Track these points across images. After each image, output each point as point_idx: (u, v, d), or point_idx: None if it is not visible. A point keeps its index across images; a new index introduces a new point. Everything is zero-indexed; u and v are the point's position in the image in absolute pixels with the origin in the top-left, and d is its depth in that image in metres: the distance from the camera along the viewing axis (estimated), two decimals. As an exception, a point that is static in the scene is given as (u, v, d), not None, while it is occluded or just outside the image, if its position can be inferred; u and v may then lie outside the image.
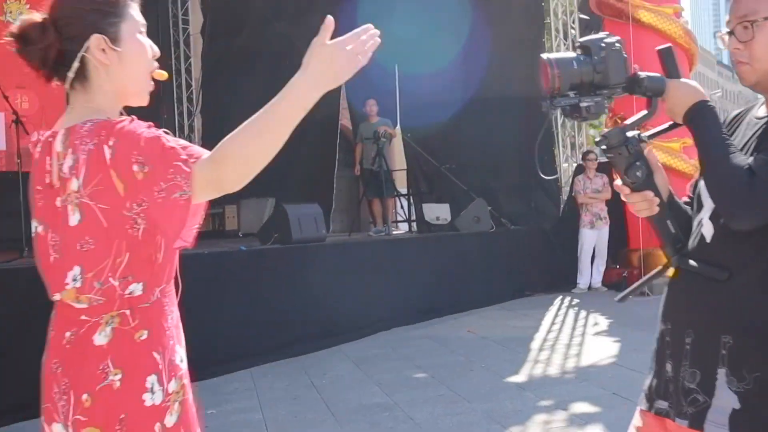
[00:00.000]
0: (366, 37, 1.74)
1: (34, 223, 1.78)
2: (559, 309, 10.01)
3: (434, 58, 12.24)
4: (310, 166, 12.45)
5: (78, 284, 1.68)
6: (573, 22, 14.60)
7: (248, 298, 7.23)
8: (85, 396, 1.65)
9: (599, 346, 7.30)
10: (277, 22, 12.84)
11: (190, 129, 15.70)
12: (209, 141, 15.06)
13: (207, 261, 7.17)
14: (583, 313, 9.43)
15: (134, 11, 1.80)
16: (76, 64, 1.72)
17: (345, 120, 13.51)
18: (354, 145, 12.06)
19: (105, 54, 1.73)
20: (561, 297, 10.83)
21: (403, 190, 12.72)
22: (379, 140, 10.88)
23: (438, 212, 11.20)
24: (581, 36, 14.56)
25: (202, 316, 6.60)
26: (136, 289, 1.69)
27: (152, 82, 1.85)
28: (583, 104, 2.00)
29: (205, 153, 1.63)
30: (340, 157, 12.62)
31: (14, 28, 1.71)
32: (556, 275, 11.57)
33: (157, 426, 1.67)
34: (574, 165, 14.04)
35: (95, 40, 1.71)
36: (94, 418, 1.65)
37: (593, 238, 11.44)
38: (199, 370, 6.31)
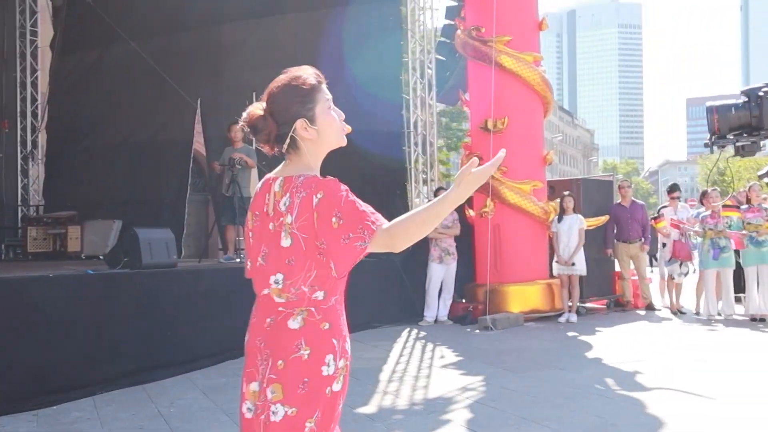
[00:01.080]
0: (495, 161, 2.51)
1: (250, 236, 2.54)
2: (406, 341, 10.18)
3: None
4: (162, 190, 12.21)
5: (279, 286, 2.42)
6: (430, 62, 14.99)
7: (94, 323, 6.99)
8: (280, 362, 2.36)
9: (446, 378, 7.46)
10: (132, 40, 12.57)
11: (34, 145, 15.10)
12: (54, 159, 14.60)
13: (52, 283, 6.90)
14: (430, 346, 9.63)
15: (323, 92, 2.54)
16: (288, 140, 2.47)
17: (199, 144, 13.33)
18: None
19: (307, 131, 2.47)
20: (408, 329, 11.03)
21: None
22: (233, 167, 10.79)
23: (290, 241, 11.20)
24: (436, 73, 15.02)
25: (43, 340, 6.34)
26: (319, 295, 2.41)
27: (344, 138, 2.64)
28: (739, 144, 2.24)
29: (385, 223, 2.36)
30: (192, 181, 12.43)
31: (245, 118, 2.50)
32: (404, 308, 11.78)
33: (328, 389, 2.37)
34: (426, 201, 14.38)
35: (299, 124, 2.46)
36: (281, 377, 2.34)
37: (441, 272, 11.73)
38: (39, 397, 6.12)
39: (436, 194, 12.21)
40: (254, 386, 2.45)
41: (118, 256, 8.22)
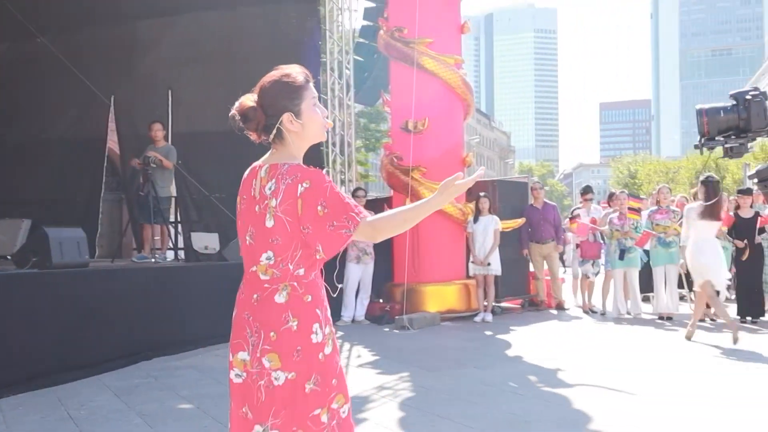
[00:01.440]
0: (476, 176, 2.89)
1: (239, 219, 2.81)
2: (324, 341, 10.16)
3: (208, 87, 12.19)
4: (74, 189, 11.91)
5: (271, 262, 2.68)
6: (348, 63, 15.03)
7: (0, 325, 6.78)
8: (272, 333, 2.64)
9: (363, 378, 7.49)
10: (42, 35, 12.23)
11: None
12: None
13: (-44, 284, 6.67)
14: (347, 346, 9.65)
15: (310, 90, 2.80)
16: (274, 131, 2.75)
17: (112, 143, 13.05)
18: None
19: (292, 124, 2.74)
20: (326, 329, 11.01)
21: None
22: (148, 166, 10.62)
23: (206, 241, 11.06)
24: (354, 74, 15.06)
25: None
26: (301, 271, 2.69)
27: (325, 132, 2.91)
28: (728, 145, 2.29)
29: (369, 216, 2.66)
30: (106, 180, 12.17)
31: (237, 108, 2.76)
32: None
33: (320, 354, 2.68)
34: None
35: (286, 117, 2.73)
36: (276, 347, 2.63)
37: (358, 272, 11.77)
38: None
39: (353, 195, 12.24)
40: (242, 355, 2.72)
41: (26, 256, 7.99)
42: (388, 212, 2.72)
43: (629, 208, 12.11)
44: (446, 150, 12.12)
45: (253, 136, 2.80)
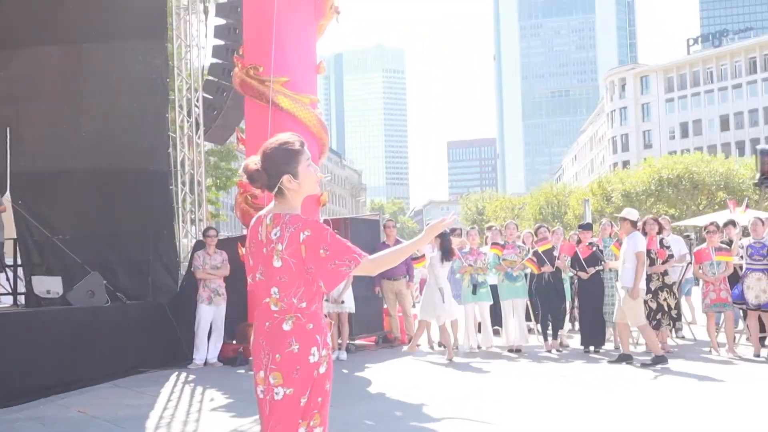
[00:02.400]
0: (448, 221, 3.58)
1: (249, 259, 3.43)
2: (175, 385, 9.87)
3: (51, 125, 11.76)
4: None
5: (276, 297, 3.28)
6: (197, 100, 14.83)
7: None
8: (277, 355, 3.22)
9: (216, 422, 7.31)
10: None
11: None
12: None
13: None
14: (199, 389, 9.39)
15: (305, 153, 3.38)
16: (275, 189, 3.34)
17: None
18: None
19: (291, 183, 3.32)
20: (177, 373, 10.71)
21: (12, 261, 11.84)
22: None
23: (49, 285, 10.58)
24: (204, 112, 14.86)
25: None
26: (303, 304, 3.27)
27: (318, 186, 3.48)
28: None
29: (368, 256, 3.30)
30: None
31: (244, 170, 3.37)
32: (173, 351, 11.44)
33: (315, 372, 3.25)
34: (193, 240, 14.12)
35: (285, 178, 3.32)
36: (280, 367, 3.21)
37: (210, 313, 11.51)
38: None
39: (204, 235, 12.00)
40: (261, 374, 3.30)
41: None
42: (385, 251, 3.48)
43: (493, 244, 12.42)
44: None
45: (258, 192, 3.61)
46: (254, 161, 3.35)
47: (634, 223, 10.64)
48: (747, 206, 14.64)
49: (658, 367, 9.73)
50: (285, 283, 3.26)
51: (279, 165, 3.33)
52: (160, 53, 12.91)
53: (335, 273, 3.23)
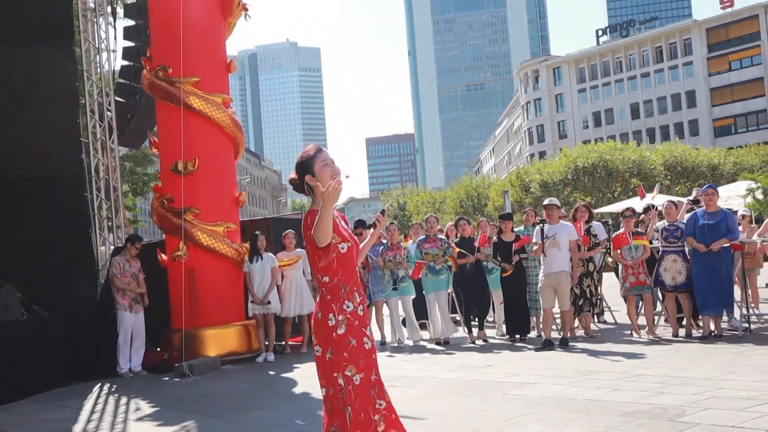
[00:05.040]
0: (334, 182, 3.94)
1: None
2: (99, 396, 9.64)
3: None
4: None
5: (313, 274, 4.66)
6: (109, 104, 14.49)
7: None
8: (313, 321, 4.17)
9: (142, 431, 7.14)
10: None
11: None
12: None
13: None
14: (124, 399, 9.19)
15: (321, 156, 4.18)
16: (306, 188, 4.18)
17: None
18: None
19: (312, 181, 4.13)
20: (101, 383, 10.45)
21: None
22: None
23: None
24: (117, 116, 14.53)
25: None
26: (325, 278, 4.12)
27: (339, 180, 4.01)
28: None
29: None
30: None
31: (290, 178, 4.23)
32: (96, 362, 11.16)
33: (334, 334, 4.05)
34: (111, 247, 13.79)
35: (307, 177, 4.16)
36: (314, 330, 4.16)
37: (131, 320, 11.27)
38: None
39: (131, 242, 11.71)
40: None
41: None
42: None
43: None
44: (218, 190, 11.92)
45: (303, 194, 4.23)
46: (294, 173, 4.24)
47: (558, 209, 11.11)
48: (658, 190, 15.01)
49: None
50: (312, 264, 4.17)
51: (303, 169, 4.18)
52: (67, 57, 12.53)
53: (317, 253, 4.07)
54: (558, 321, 11.66)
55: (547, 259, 10.77)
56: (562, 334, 10.89)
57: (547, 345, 10.50)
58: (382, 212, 4.47)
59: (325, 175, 4.10)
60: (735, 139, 77.72)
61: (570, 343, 10.61)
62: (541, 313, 11.13)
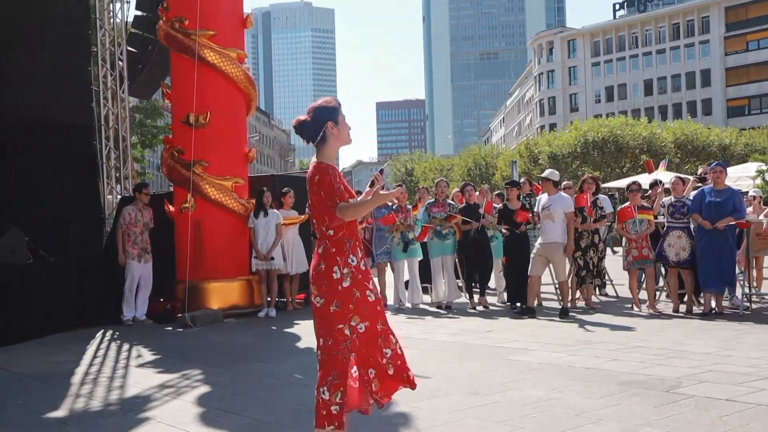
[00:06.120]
0: (390, 194, 4.27)
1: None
2: (101, 342, 9.74)
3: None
4: None
5: (315, 226, 4.21)
6: (121, 54, 14.46)
7: None
8: (313, 272, 4.18)
9: (143, 378, 7.23)
10: None
11: None
12: None
13: None
14: (126, 346, 9.29)
15: (341, 110, 4.24)
16: (320, 135, 4.18)
17: None
18: None
19: (333, 129, 4.19)
20: (104, 330, 10.56)
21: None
22: None
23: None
24: (128, 66, 14.50)
25: None
26: (330, 232, 4.14)
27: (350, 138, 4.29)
28: None
29: (342, 202, 4.06)
30: None
31: (294, 121, 4.21)
32: (100, 309, 11.25)
33: (340, 286, 4.09)
34: (118, 197, 13.84)
35: (329, 124, 4.18)
36: (314, 281, 4.15)
37: (140, 270, 11.35)
38: None
39: (135, 191, 11.78)
40: (311, 287, 4.19)
41: None
42: (349, 203, 4.07)
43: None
44: (229, 144, 11.93)
45: (304, 141, 4.26)
46: (304, 115, 4.21)
47: (556, 183, 11.14)
48: (665, 166, 14.96)
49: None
50: (317, 215, 4.16)
51: (323, 115, 4.18)
52: (80, 4, 12.52)
53: (329, 211, 4.08)
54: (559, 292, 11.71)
55: (542, 230, 10.92)
56: (561, 304, 10.94)
57: (527, 312, 10.69)
58: (380, 171, 4.43)
59: (346, 127, 4.24)
60: (748, 120, 77.22)
61: (570, 314, 10.66)
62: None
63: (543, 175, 11.40)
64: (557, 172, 11.75)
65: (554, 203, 10.79)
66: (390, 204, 12.22)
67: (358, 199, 4.30)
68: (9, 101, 11.60)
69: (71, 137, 11.84)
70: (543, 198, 11.03)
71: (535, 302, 11.41)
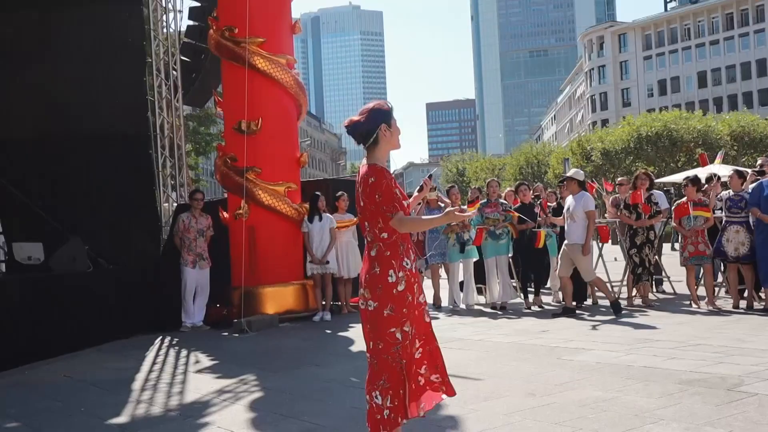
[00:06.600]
0: (464, 216, 4.48)
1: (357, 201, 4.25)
2: (160, 348, 9.90)
3: (25, 91, 11.64)
4: None
5: (368, 229, 4.16)
6: (174, 63, 14.67)
7: None
8: (366, 276, 4.14)
9: (202, 383, 7.33)
10: None
11: None
12: None
13: None
14: (184, 352, 9.43)
15: (393, 114, 4.22)
16: (373, 138, 4.15)
17: None
18: None
19: (386, 132, 4.17)
20: (162, 336, 10.73)
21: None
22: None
23: (30, 251, 10.48)
24: (182, 76, 14.70)
25: None
26: (384, 235, 4.09)
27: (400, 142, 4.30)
28: None
29: (401, 213, 4.07)
30: None
31: (347, 122, 4.21)
32: (159, 315, 11.43)
33: (394, 290, 4.05)
34: (174, 204, 14.04)
35: (383, 126, 4.16)
36: (367, 285, 4.12)
37: (195, 277, 11.51)
38: None
39: (191, 197, 11.96)
40: (361, 290, 4.19)
41: None
42: (415, 218, 4.41)
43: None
44: (280, 150, 12.03)
45: (355, 142, 4.22)
46: (357, 116, 4.21)
47: (581, 183, 11.03)
48: (722, 158, 14.64)
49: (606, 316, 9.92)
50: (370, 218, 4.12)
51: (378, 118, 4.16)
52: (135, 17, 12.78)
53: (384, 215, 4.06)
54: (615, 290, 11.57)
55: (566, 230, 10.90)
56: (608, 300, 10.81)
57: (566, 312, 10.64)
58: (429, 176, 4.49)
59: (397, 131, 4.24)
60: (806, 109, 75.55)
61: (625, 310, 10.54)
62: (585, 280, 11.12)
63: (568, 174, 11.31)
64: (582, 172, 11.66)
65: (575, 203, 10.70)
66: (442, 205, 12.19)
67: (410, 200, 4.36)
68: (68, 114, 11.89)
69: (128, 147, 12.09)
70: (569, 199, 10.95)
71: (574, 302, 11.28)
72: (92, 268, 10.77)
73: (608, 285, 11.49)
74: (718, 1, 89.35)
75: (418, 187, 4.45)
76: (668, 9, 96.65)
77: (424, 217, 4.40)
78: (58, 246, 10.51)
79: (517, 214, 11.88)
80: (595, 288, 11.61)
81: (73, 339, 9.70)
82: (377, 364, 4.15)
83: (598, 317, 10.41)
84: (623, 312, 10.48)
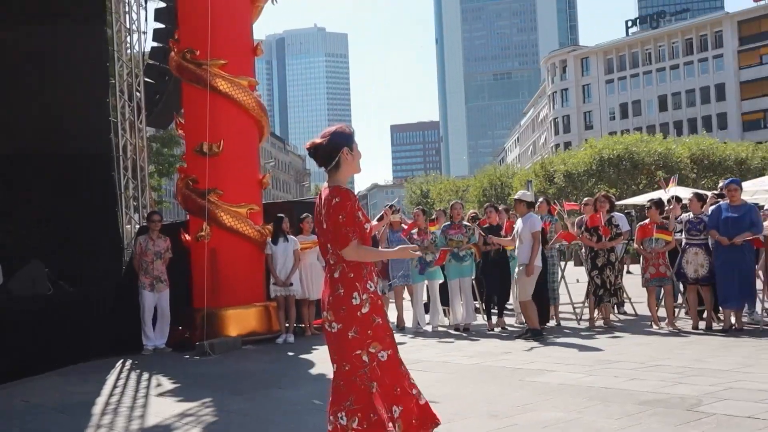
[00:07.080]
0: (414, 254, 5.30)
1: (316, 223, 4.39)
2: (121, 372, 9.79)
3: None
4: None
5: (330, 251, 4.20)
6: (138, 85, 14.62)
7: None
8: (329, 297, 4.19)
9: (164, 406, 7.26)
10: None
11: None
12: None
13: None
14: (146, 375, 9.33)
15: (354, 138, 4.33)
16: (335, 161, 4.24)
17: None
18: None
19: (347, 156, 4.26)
20: (124, 359, 10.61)
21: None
22: None
23: (-12, 274, 10.35)
24: (145, 97, 14.65)
25: None
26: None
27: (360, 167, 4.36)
28: None
29: (358, 241, 4.16)
30: None
31: (309, 144, 4.29)
32: (120, 338, 11.31)
33: (359, 312, 4.12)
34: (137, 226, 13.95)
35: (345, 150, 4.26)
36: (331, 307, 4.18)
37: (153, 300, 11.41)
38: None
39: (149, 219, 11.88)
40: (324, 313, 4.23)
41: None
42: (370, 249, 4.33)
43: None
44: (242, 172, 12.01)
45: (317, 165, 4.32)
46: (319, 138, 4.28)
47: (530, 204, 11.16)
48: (674, 181, 14.87)
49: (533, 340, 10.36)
50: (332, 240, 4.16)
51: (340, 141, 4.24)
52: (99, 38, 12.70)
53: (344, 237, 4.11)
54: (577, 311, 11.69)
55: (517, 252, 10.98)
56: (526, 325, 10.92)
57: (535, 334, 10.57)
58: (390, 206, 4.66)
59: (358, 155, 4.31)
60: (764, 133, 76.96)
61: (589, 332, 10.63)
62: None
63: (515, 196, 11.39)
64: (529, 193, 11.87)
65: (523, 224, 10.80)
66: (404, 226, 12.26)
67: (372, 223, 4.46)
68: (30, 134, 11.77)
69: (90, 168, 11.98)
70: (518, 221, 11.02)
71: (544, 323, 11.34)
72: (52, 291, 10.64)
73: (572, 306, 11.57)
74: (678, 26, 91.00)
75: (378, 216, 4.61)
76: (630, 34, 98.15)
77: (380, 249, 4.61)
78: (17, 268, 10.38)
79: (483, 235, 11.94)
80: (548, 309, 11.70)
81: (32, 362, 9.56)
82: (344, 386, 4.18)
83: (561, 339, 10.49)
84: (545, 337, 10.55)
